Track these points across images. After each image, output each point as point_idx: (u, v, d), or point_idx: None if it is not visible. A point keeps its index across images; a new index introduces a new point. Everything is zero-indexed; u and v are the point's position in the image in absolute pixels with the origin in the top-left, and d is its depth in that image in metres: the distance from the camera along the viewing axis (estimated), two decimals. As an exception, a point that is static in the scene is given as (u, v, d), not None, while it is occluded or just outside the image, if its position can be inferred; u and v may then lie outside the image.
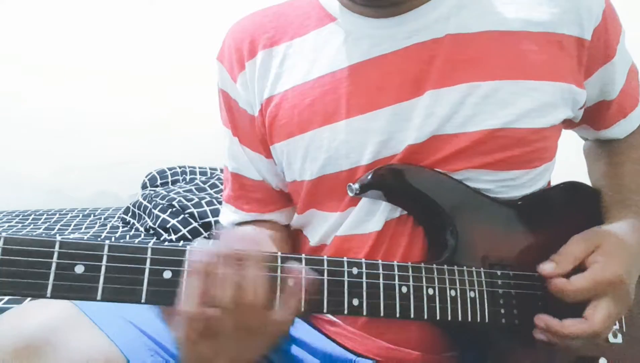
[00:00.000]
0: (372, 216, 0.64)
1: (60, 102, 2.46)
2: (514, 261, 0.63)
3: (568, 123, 0.73)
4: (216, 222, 1.84)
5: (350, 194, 0.62)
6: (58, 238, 0.44)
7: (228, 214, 0.76)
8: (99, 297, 0.44)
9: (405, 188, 0.61)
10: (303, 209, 0.70)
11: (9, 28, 2.44)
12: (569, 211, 0.69)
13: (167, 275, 0.47)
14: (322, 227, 0.68)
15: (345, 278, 0.52)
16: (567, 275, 0.60)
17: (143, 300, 0.46)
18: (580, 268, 0.60)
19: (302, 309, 0.49)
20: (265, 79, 0.67)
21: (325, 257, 0.52)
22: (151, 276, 0.46)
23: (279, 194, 0.75)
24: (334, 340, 0.67)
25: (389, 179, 0.61)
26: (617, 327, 0.65)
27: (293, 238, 0.78)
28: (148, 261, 0.46)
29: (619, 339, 0.65)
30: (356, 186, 0.61)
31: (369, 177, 0.61)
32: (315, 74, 0.65)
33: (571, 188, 0.71)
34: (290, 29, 0.68)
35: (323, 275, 0.52)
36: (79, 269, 0.44)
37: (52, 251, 0.43)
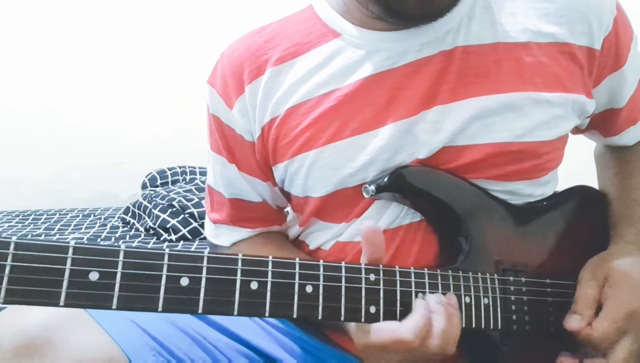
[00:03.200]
0: (379, 220, 0.63)
1: (60, 103, 2.46)
2: (526, 265, 0.63)
3: (575, 129, 0.72)
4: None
5: (366, 195, 0.61)
6: (72, 242, 0.41)
7: (227, 234, 0.73)
8: (114, 306, 0.42)
9: (421, 190, 0.60)
10: (307, 221, 0.69)
11: (9, 28, 2.44)
12: (579, 215, 0.69)
13: (185, 282, 0.45)
14: (324, 235, 0.68)
15: (363, 285, 0.51)
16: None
17: (160, 309, 0.44)
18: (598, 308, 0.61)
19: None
20: (268, 102, 0.65)
21: (343, 264, 0.51)
22: (168, 284, 0.44)
23: (279, 211, 0.74)
24: (339, 345, 0.67)
25: (404, 182, 0.60)
26: None
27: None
28: (165, 267, 0.44)
29: None
30: (372, 187, 0.60)
31: (386, 179, 0.60)
32: (320, 90, 0.63)
33: (580, 192, 0.72)
34: (291, 48, 0.65)
35: (341, 282, 0.51)
36: (94, 276, 0.42)
37: (65, 257, 0.41)
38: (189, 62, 2.31)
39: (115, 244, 0.45)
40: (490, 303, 0.58)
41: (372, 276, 0.52)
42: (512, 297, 0.60)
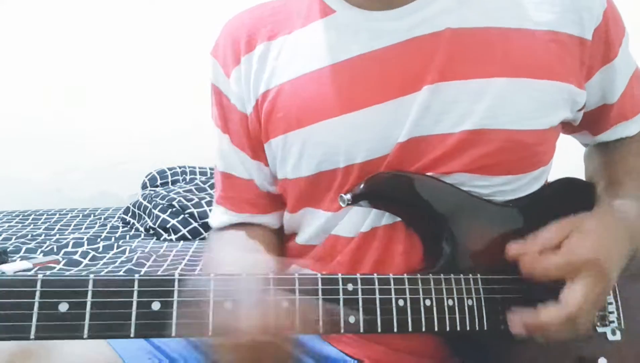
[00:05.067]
0: (367, 217, 0.63)
1: (60, 103, 2.46)
2: (511, 264, 0.62)
3: (567, 128, 0.72)
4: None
5: (343, 205, 0.60)
6: (39, 276, 0.42)
7: (218, 216, 0.74)
8: (85, 335, 0.42)
9: (398, 196, 0.61)
10: (296, 207, 0.69)
11: (8, 28, 2.44)
12: (567, 208, 0.68)
13: (156, 306, 0.45)
14: (314, 225, 0.67)
15: (341, 296, 0.51)
16: None
17: (132, 335, 0.44)
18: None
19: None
20: (262, 73, 0.66)
21: (319, 275, 0.51)
22: (139, 309, 0.44)
23: (268, 197, 0.73)
24: (333, 346, 0.67)
25: (380, 188, 0.60)
26: (615, 324, 0.65)
27: (282, 242, 0.76)
28: (135, 293, 0.44)
29: (618, 336, 0.64)
30: (348, 196, 0.60)
31: (361, 187, 0.60)
32: (312, 66, 0.63)
33: (567, 185, 0.70)
34: (289, 22, 0.67)
35: (317, 294, 0.50)
36: (63, 307, 0.42)
37: (34, 290, 0.41)
38: (189, 63, 2.31)
39: (84, 273, 0.46)
40: (475, 305, 0.57)
41: (350, 286, 0.52)
42: (499, 297, 0.59)
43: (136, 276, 0.45)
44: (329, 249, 0.65)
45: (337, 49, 0.63)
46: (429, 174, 0.60)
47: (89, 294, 0.43)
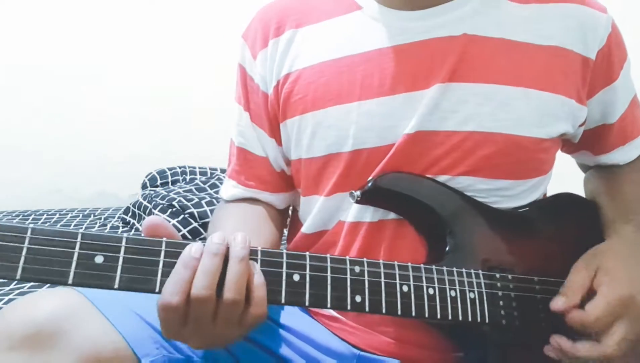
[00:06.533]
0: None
1: (60, 102, 2.46)
2: (512, 266, 0.63)
3: (569, 146, 0.74)
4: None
5: (352, 200, 0.64)
6: (80, 230, 0.47)
7: (229, 188, 0.78)
8: (116, 286, 0.47)
9: (404, 194, 0.64)
10: (306, 191, 0.72)
11: (8, 27, 2.44)
12: (564, 220, 0.70)
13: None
14: (314, 212, 0.70)
15: (348, 276, 0.54)
16: (579, 306, 0.60)
17: (157, 290, 0.48)
18: (589, 295, 0.60)
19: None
20: (286, 57, 0.70)
21: (328, 255, 0.54)
22: (165, 268, 0.49)
23: (279, 176, 0.77)
24: (336, 335, 0.68)
25: (389, 188, 0.64)
26: None
27: (287, 225, 0.81)
28: (162, 253, 0.49)
29: None
30: (358, 193, 0.63)
31: (370, 184, 0.63)
32: (333, 55, 0.67)
33: (566, 199, 0.73)
34: (317, 13, 0.71)
35: (326, 272, 0.53)
36: (99, 259, 0.47)
37: (74, 241, 0.46)
38: (189, 63, 2.32)
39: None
40: (477, 297, 0.59)
41: (357, 268, 0.54)
42: (500, 292, 0.61)
43: (164, 239, 0.50)
44: (332, 236, 0.67)
45: (358, 41, 0.67)
46: (430, 176, 0.62)
47: (122, 250, 0.48)
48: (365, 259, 0.55)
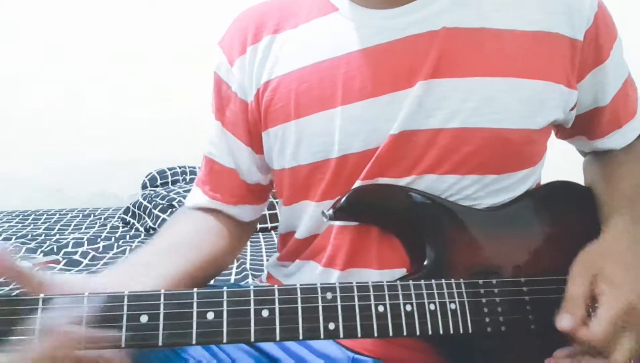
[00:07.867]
0: None
1: (59, 102, 2.46)
2: (498, 268, 0.62)
3: (563, 132, 0.73)
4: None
5: (325, 219, 0.62)
6: (126, 292, 0.48)
7: (194, 196, 0.76)
8: (160, 343, 0.47)
9: (379, 208, 0.62)
10: (292, 199, 0.70)
11: (8, 27, 2.44)
12: (556, 211, 0.68)
13: (210, 316, 0.49)
14: (306, 219, 0.68)
15: (320, 304, 0.52)
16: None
17: (194, 342, 0.48)
18: (591, 302, 0.59)
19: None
20: (265, 64, 0.68)
21: (298, 285, 0.53)
22: (199, 319, 0.49)
23: (247, 189, 0.74)
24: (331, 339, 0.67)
25: (361, 203, 0.62)
26: None
27: (248, 235, 0.80)
28: (195, 304, 0.49)
29: None
30: (330, 212, 0.61)
31: (343, 201, 0.61)
32: (312, 60, 0.65)
33: (560, 187, 0.70)
34: (295, 17, 0.69)
35: (297, 304, 0.52)
36: (144, 318, 0.47)
37: (122, 304, 0.47)
38: (189, 63, 2.31)
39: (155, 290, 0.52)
40: (458, 308, 0.57)
41: (328, 295, 0.53)
42: (483, 300, 0.59)
43: (194, 289, 0.50)
44: (322, 240, 0.66)
45: (337, 44, 0.65)
46: (405, 185, 0.62)
47: (161, 306, 0.48)
48: (337, 284, 0.54)
